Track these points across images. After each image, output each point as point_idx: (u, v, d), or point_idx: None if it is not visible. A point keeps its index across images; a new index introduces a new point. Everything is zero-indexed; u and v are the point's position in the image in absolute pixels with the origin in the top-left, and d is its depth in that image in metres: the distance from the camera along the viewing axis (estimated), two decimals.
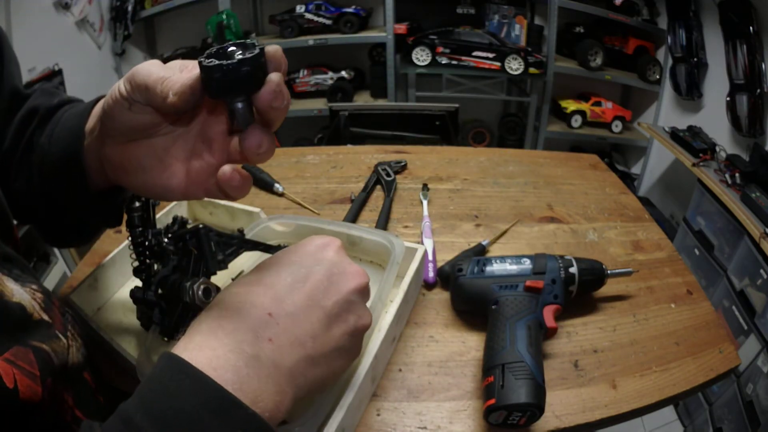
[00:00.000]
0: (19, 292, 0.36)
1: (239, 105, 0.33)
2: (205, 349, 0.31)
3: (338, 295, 0.38)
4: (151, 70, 0.35)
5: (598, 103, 2.54)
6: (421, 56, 2.40)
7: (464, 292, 0.61)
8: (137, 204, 0.49)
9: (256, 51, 0.31)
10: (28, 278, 0.39)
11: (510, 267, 0.61)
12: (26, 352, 0.33)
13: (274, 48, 0.34)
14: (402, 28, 2.43)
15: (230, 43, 0.32)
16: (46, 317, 0.37)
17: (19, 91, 0.48)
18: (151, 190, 0.41)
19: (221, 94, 0.32)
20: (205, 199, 0.40)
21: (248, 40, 0.32)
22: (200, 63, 0.31)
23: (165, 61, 0.36)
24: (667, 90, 2.34)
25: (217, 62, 0.30)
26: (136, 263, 0.49)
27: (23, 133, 0.46)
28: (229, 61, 0.30)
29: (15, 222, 0.45)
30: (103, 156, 0.41)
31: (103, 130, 0.40)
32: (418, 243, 0.68)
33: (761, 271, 1.44)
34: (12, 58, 0.49)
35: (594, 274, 0.62)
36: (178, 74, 0.34)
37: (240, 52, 0.32)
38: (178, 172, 0.40)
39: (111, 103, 0.37)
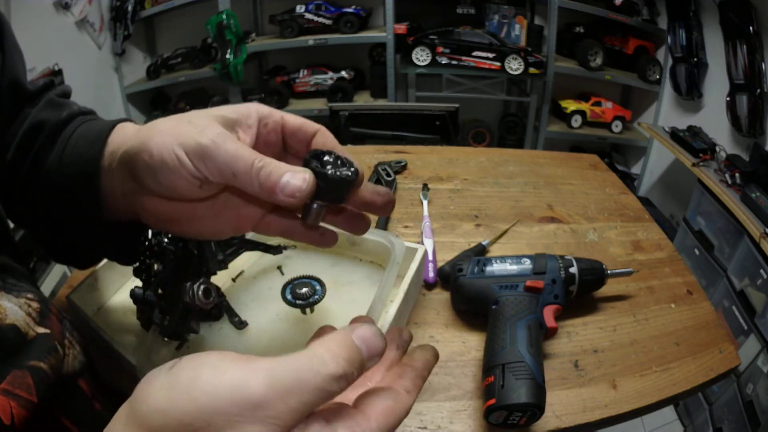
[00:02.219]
0: (12, 310, 0.34)
1: (315, 206, 0.35)
2: None
3: None
4: (228, 148, 0.32)
5: (598, 103, 2.54)
6: (421, 56, 2.40)
7: (464, 292, 0.61)
8: None
9: (352, 173, 0.34)
10: (25, 286, 0.37)
11: (510, 267, 0.61)
12: (24, 375, 0.32)
13: (362, 174, 0.36)
14: (402, 28, 2.43)
15: (327, 151, 0.35)
16: (42, 329, 0.36)
17: (21, 84, 0.44)
18: (199, 236, 0.41)
19: (318, 198, 0.34)
20: None
21: (343, 157, 0.35)
22: (310, 165, 0.33)
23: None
24: (667, 90, 2.34)
25: (328, 171, 0.33)
26: (136, 263, 0.49)
27: (29, 148, 0.42)
28: (337, 175, 0.33)
29: (12, 225, 0.44)
30: (143, 208, 0.38)
31: (144, 184, 0.36)
32: (418, 243, 0.68)
33: (761, 271, 1.44)
34: (15, 48, 0.45)
35: (594, 274, 0.62)
36: (274, 163, 0.32)
37: (340, 165, 0.34)
38: (230, 218, 0.39)
39: (167, 173, 0.33)
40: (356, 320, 0.31)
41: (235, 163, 0.32)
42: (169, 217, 0.38)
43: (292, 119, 0.37)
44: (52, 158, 0.41)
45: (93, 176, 0.39)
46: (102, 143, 0.39)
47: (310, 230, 0.40)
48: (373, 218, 0.82)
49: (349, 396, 0.28)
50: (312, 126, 0.37)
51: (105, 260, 0.63)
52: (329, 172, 0.33)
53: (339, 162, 0.34)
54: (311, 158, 0.34)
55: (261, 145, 0.37)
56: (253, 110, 0.36)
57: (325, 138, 0.37)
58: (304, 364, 0.24)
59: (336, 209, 0.39)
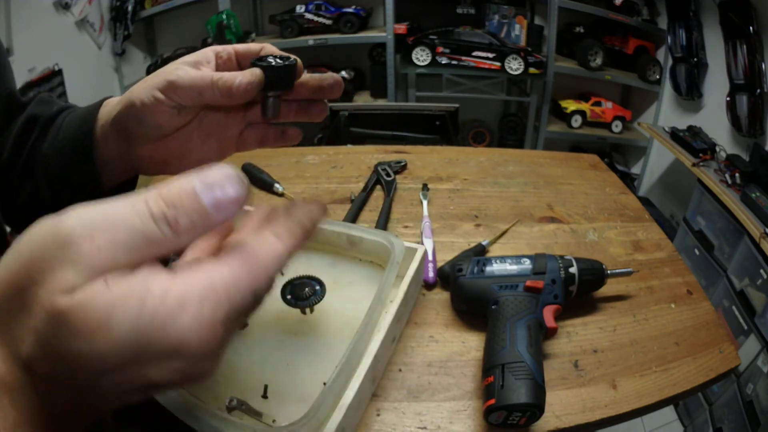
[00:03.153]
0: None
1: (272, 99, 0.42)
2: None
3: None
4: (191, 75, 0.39)
5: (598, 103, 2.54)
6: (421, 56, 2.40)
7: (464, 292, 0.61)
8: None
9: (293, 61, 0.42)
10: None
11: (510, 267, 0.61)
12: None
13: (300, 62, 0.43)
14: (402, 28, 2.43)
15: (269, 55, 0.42)
16: None
17: (15, 95, 0.49)
18: (191, 168, 0.46)
19: (267, 89, 0.41)
20: None
21: (282, 55, 0.43)
22: (255, 64, 0.41)
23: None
24: (667, 90, 2.34)
25: (267, 65, 0.41)
26: None
27: (24, 143, 0.46)
28: (277, 64, 0.41)
29: (9, 230, 0.45)
30: (139, 157, 0.45)
31: (137, 135, 0.43)
32: (418, 243, 0.68)
33: (761, 271, 1.44)
34: (6, 63, 0.49)
35: (594, 274, 0.62)
36: (229, 73, 0.39)
37: (279, 61, 0.42)
38: (213, 144, 0.46)
39: (151, 113, 0.40)
40: None
41: (198, 83, 0.39)
42: (163, 159, 0.45)
43: (240, 46, 0.45)
44: (47, 146, 0.46)
45: (89, 150, 0.44)
46: (93, 119, 0.45)
47: (273, 124, 0.47)
48: (373, 218, 0.83)
49: None
50: (257, 45, 0.45)
51: None
52: (273, 63, 0.41)
53: (279, 59, 0.42)
54: (255, 61, 0.42)
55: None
56: (209, 50, 0.43)
57: (268, 51, 0.44)
58: (121, 202, 0.22)
59: (290, 100, 0.46)
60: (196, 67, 0.42)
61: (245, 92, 0.39)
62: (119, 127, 0.43)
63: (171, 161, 0.45)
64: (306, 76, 0.44)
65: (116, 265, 0.21)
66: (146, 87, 0.40)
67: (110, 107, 0.45)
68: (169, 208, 0.22)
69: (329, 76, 0.45)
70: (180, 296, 0.21)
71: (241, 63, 0.44)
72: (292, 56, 0.43)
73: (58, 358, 0.20)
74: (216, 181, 0.23)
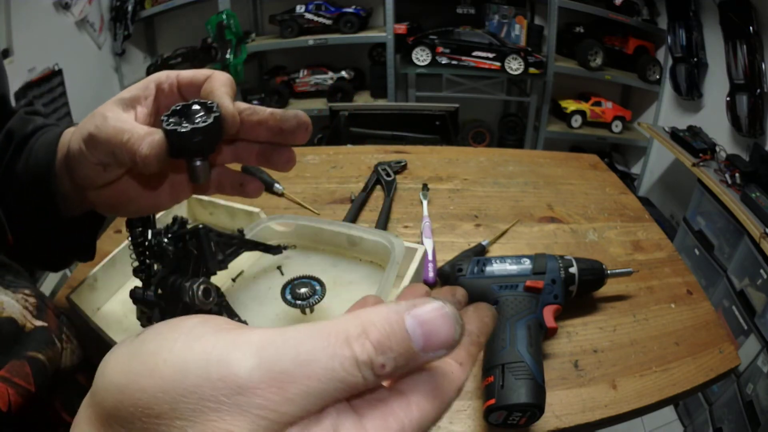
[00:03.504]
0: (9, 304, 0.35)
1: (197, 163, 0.34)
2: None
3: None
4: (109, 128, 0.34)
5: (598, 103, 2.54)
6: (421, 56, 2.40)
7: None
8: None
9: (211, 120, 0.32)
10: (22, 282, 0.38)
11: (510, 267, 0.61)
12: (22, 365, 0.33)
13: (231, 114, 0.34)
14: (402, 28, 2.43)
15: (196, 101, 0.34)
16: (39, 322, 0.37)
17: (7, 101, 0.49)
18: (145, 212, 0.45)
19: (178, 156, 0.33)
20: (205, 198, 0.41)
21: (210, 102, 0.34)
22: (163, 124, 0.32)
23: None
24: (667, 90, 2.34)
25: (173, 128, 0.32)
26: (136, 263, 0.49)
27: (2, 158, 0.46)
28: (183, 129, 0.32)
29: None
30: (90, 202, 0.43)
31: (83, 184, 0.41)
32: (418, 243, 0.68)
33: (761, 271, 1.44)
34: (1, 68, 0.49)
35: (594, 274, 0.62)
36: (142, 129, 0.33)
37: (201, 113, 0.33)
38: (165, 190, 0.42)
39: (79, 165, 0.38)
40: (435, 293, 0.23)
41: (112, 141, 0.34)
42: (112, 203, 0.42)
43: (184, 74, 0.38)
44: (20, 166, 0.45)
45: (48, 181, 0.42)
46: (54, 151, 0.43)
47: (205, 189, 0.42)
48: (373, 218, 0.83)
49: None
50: (202, 74, 0.37)
51: (105, 260, 0.63)
52: (179, 127, 0.32)
53: (203, 111, 0.33)
54: (171, 115, 0.33)
55: (163, 110, 0.38)
56: (152, 80, 0.38)
57: (211, 84, 0.36)
58: (317, 340, 0.18)
59: (250, 141, 0.39)
60: (131, 106, 0.37)
61: (146, 165, 0.32)
62: (66, 169, 0.41)
63: (121, 205, 0.43)
64: (265, 113, 0.36)
65: (305, 415, 0.18)
66: (78, 134, 0.37)
67: (66, 140, 0.43)
68: (378, 354, 0.18)
69: (292, 115, 0.36)
70: None
71: (184, 95, 0.38)
72: (223, 106, 0.34)
73: None
74: (431, 319, 0.19)
